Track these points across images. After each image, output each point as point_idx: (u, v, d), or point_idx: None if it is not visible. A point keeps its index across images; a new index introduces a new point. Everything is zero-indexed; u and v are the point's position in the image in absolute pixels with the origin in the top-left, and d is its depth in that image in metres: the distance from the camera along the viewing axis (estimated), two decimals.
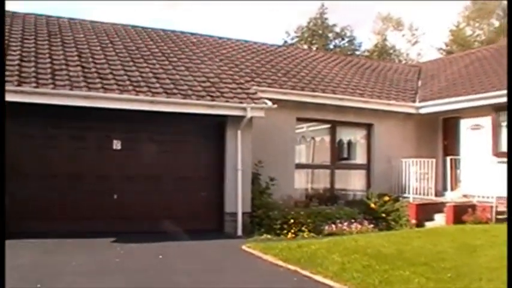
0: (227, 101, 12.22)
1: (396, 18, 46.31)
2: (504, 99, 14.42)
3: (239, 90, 13.04)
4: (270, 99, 12.79)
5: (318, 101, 15.19)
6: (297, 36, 41.00)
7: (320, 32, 40.20)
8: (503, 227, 12.62)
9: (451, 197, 15.73)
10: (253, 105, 12.37)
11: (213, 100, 12.03)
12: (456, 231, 11.51)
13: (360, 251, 8.92)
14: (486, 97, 14.93)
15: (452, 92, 16.53)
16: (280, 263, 8.46)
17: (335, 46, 40.93)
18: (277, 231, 12.35)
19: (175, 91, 11.91)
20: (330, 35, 40.93)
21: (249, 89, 13.43)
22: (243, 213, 12.47)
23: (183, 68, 13.59)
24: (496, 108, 15.13)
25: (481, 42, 45.24)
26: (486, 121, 15.43)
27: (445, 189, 16.43)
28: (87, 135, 11.56)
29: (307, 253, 8.88)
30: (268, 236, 11.99)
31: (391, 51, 43.84)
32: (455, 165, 16.39)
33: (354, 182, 16.61)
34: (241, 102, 12.35)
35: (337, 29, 40.91)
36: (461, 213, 13.68)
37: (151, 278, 7.60)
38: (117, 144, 11.69)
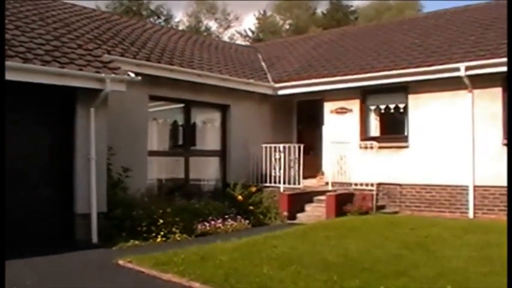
0: (81, 69, 9.42)
1: (210, 2, 44.94)
2: (374, 82, 13.73)
3: (90, 58, 10.23)
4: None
5: (175, 76, 12.85)
6: (108, 12, 37.41)
7: (134, 8, 37.18)
8: (406, 217, 11.80)
9: (313, 185, 14.59)
10: (113, 76, 9.73)
11: (62, 67, 9.13)
12: (368, 226, 10.21)
13: (294, 260, 6.95)
14: (356, 79, 13.95)
15: (314, 74, 15.30)
16: (198, 285, 6.15)
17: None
18: (144, 234, 9.89)
19: (11, 53, 8.75)
20: (144, 12, 38.09)
21: (100, 56, 10.65)
22: (99, 214, 9.79)
23: (11, 27, 10.27)
24: (364, 91, 14.25)
25: (289, 31, 46.07)
26: (353, 104, 14.47)
27: (302, 177, 15.12)
28: None
29: (225, 268, 6.67)
30: (136, 242, 9.53)
31: (205, 34, 42.35)
32: (317, 150, 15.30)
33: (212, 171, 14.60)
34: (97, 72, 9.63)
35: (153, 7, 38.29)
36: (341, 202, 12.46)
37: None
38: None
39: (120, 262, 7.61)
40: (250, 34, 49.46)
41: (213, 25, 45.84)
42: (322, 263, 6.90)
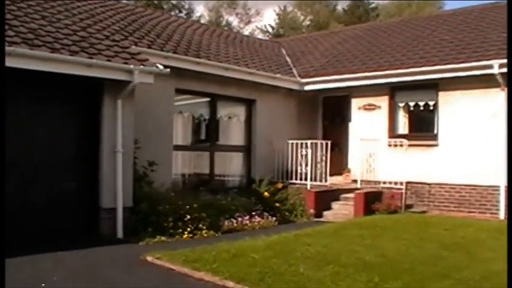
0: (109, 60, 9.21)
1: None
2: (403, 79, 13.40)
3: (118, 49, 10.03)
4: None
5: (202, 69, 12.61)
6: (132, 4, 37.39)
7: (156, 2, 37.02)
8: (437, 217, 11.53)
9: (339, 182, 14.32)
10: (141, 67, 9.51)
11: (90, 58, 8.94)
12: (400, 225, 9.94)
13: (331, 260, 6.72)
14: (385, 75, 13.62)
15: (342, 69, 15.00)
16: (232, 284, 5.94)
17: None
18: (170, 230, 9.69)
19: (38, 42, 8.58)
20: (166, 6, 37.91)
21: (128, 47, 10.47)
22: (124, 209, 9.60)
23: (37, 17, 10.11)
24: (392, 88, 13.94)
25: (310, 27, 45.67)
26: (381, 101, 14.16)
27: (329, 174, 14.83)
28: None
29: (259, 267, 6.44)
30: (163, 238, 9.34)
31: (226, 28, 42.11)
32: (343, 147, 15.03)
33: (237, 166, 14.36)
34: (126, 63, 9.43)
35: (174, 1, 38.07)
36: (370, 201, 12.18)
37: None
38: None
39: (149, 258, 7.42)
40: (270, 30, 49.19)
41: (233, 20, 45.65)
42: (360, 262, 6.66)
